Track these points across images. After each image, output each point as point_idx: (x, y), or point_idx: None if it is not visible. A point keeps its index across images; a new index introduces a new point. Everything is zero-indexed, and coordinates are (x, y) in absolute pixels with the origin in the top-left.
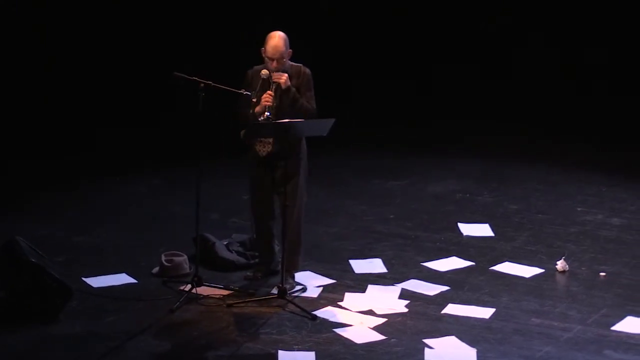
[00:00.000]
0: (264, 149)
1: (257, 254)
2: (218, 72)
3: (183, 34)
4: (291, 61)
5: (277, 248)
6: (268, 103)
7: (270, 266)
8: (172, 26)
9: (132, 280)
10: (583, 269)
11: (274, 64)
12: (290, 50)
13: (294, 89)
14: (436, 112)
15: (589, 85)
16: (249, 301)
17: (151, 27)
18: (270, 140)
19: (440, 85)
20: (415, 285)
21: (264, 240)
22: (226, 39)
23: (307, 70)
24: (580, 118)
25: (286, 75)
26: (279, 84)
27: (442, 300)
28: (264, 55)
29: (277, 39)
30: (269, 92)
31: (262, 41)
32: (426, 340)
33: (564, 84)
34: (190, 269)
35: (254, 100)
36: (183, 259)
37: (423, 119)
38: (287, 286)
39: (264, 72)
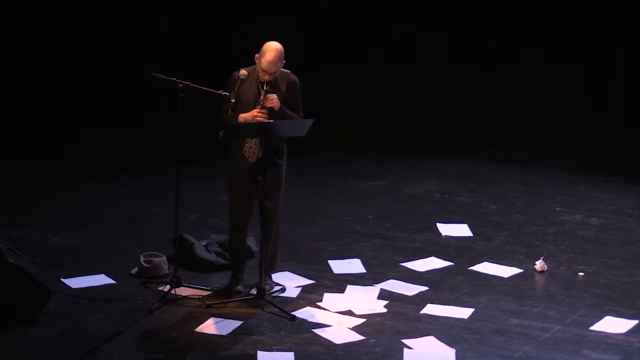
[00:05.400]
0: (253, 155)
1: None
2: (206, 73)
3: (168, 35)
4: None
5: (255, 249)
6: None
7: (241, 267)
8: (157, 26)
9: (111, 281)
10: (562, 269)
11: (267, 76)
12: (284, 61)
13: (283, 108)
14: (415, 112)
15: (569, 87)
16: (228, 302)
17: (134, 27)
18: (260, 145)
19: (420, 85)
20: (394, 286)
21: (239, 242)
22: (216, 39)
23: (296, 79)
24: (558, 119)
25: (276, 99)
26: (267, 91)
27: (421, 300)
28: (257, 62)
29: (273, 54)
30: (260, 110)
31: (250, 42)
32: (405, 341)
33: (545, 85)
34: (169, 269)
35: (233, 100)
36: (162, 259)
37: (402, 120)
38: (267, 287)
39: (243, 72)
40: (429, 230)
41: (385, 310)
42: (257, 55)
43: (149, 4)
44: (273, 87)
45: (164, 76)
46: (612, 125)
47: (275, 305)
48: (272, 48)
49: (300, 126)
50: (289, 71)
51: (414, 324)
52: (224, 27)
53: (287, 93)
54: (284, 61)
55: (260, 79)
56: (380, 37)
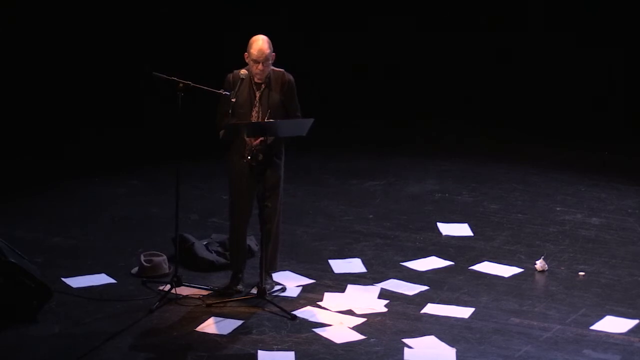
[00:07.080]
0: (254, 160)
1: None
2: (202, 73)
3: (166, 34)
4: (273, 65)
5: (255, 248)
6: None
7: (242, 266)
8: (154, 26)
9: (112, 281)
10: (562, 268)
11: (260, 66)
12: (274, 53)
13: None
14: (415, 112)
15: (569, 87)
16: (228, 301)
17: (132, 27)
18: (260, 145)
19: (420, 85)
20: (395, 285)
21: (239, 242)
22: (210, 39)
23: (291, 78)
24: (557, 119)
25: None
26: (262, 92)
27: (421, 300)
28: (247, 59)
29: (261, 42)
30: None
31: (245, 43)
32: (405, 340)
33: (542, 86)
34: (169, 269)
35: (233, 100)
36: (162, 259)
37: (402, 120)
38: (267, 286)
39: (243, 71)
40: (430, 229)
41: (385, 309)
42: (246, 54)
43: (149, 4)
44: (268, 88)
45: (164, 76)
46: (612, 125)
47: (275, 305)
48: (259, 37)
49: (300, 125)
50: (282, 70)
51: (415, 324)
52: (224, 27)
53: (282, 94)
54: (274, 53)
55: (255, 79)
56: (380, 36)
